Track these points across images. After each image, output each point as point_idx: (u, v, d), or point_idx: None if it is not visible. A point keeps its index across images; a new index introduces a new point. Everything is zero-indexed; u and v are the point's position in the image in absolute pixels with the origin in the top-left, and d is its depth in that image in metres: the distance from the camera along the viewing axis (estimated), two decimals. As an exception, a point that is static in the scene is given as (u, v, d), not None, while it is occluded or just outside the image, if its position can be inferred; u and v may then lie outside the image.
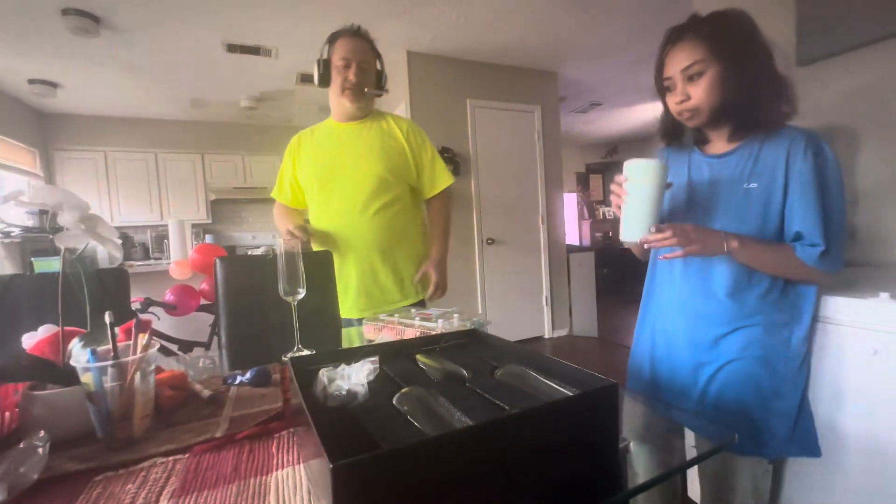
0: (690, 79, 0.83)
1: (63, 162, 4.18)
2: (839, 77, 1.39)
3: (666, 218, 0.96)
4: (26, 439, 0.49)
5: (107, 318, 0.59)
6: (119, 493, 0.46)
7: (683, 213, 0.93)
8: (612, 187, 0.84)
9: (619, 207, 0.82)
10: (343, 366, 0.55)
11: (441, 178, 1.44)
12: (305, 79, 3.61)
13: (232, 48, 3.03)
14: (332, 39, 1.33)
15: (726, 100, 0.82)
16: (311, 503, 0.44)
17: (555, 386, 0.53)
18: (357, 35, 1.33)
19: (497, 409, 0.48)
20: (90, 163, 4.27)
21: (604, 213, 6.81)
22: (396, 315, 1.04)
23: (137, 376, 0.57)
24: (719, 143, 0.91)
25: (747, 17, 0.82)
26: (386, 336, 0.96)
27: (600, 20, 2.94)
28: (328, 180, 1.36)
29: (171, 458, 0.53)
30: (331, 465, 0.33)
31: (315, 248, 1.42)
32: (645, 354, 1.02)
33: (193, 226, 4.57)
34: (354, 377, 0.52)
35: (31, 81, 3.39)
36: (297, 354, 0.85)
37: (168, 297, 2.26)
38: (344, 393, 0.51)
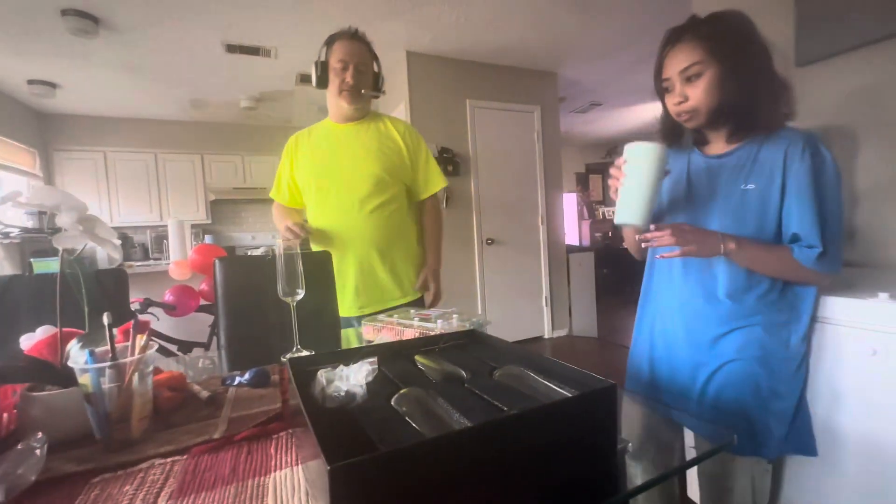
0: (689, 80, 0.83)
1: (62, 162, 4.18)
2: (838, 78, 1.39)
3: (665, 217, 0.96)
4: (24, 440, 0.49)
5: (105, 319, 0.59)
6: (117, 494, 0.46)
7: (682, 213, 0.93)
8: (612, 170, 0.84)
9: (617, 190, 0.82)
10: (342, 367, 0.55)
11: (435, 181, 1.47)
12: (305, 79, 3.62)
13: (231, 48, 3.03)
14: (330, 42, 1.35)
15: (724, 101, 0.82)
16: (309, 504, 0.44)
17: (553, 387, 0.53)
18: (354, 38, 1.34)
19: (495, 410, 0.48)
20: (90, 163, 4.26)
21: (603, 214, 6.81)
22: (395, 316, 1.04)
23: (135, 377, 0.57)
24: (718, 144, 0.91)
25: (746, 18, 0.82)
26: (385, 337, 0.96)
27: (600, 20, 2.94)
28: (326, 180, 1.37)
29: (169, 460, 0.53)
30: (329, 467, 0.32)
31: (314, 247, 1.42)
32: (644, 355, 1.02)
33: (193, 226, 4.57)
34: (353, 378, 0.52)
35: (31, 82, 3.39)
36: (296, 355, 0.85)
37: (167, 297, 2.26)
38: (342, 394, 0.51)
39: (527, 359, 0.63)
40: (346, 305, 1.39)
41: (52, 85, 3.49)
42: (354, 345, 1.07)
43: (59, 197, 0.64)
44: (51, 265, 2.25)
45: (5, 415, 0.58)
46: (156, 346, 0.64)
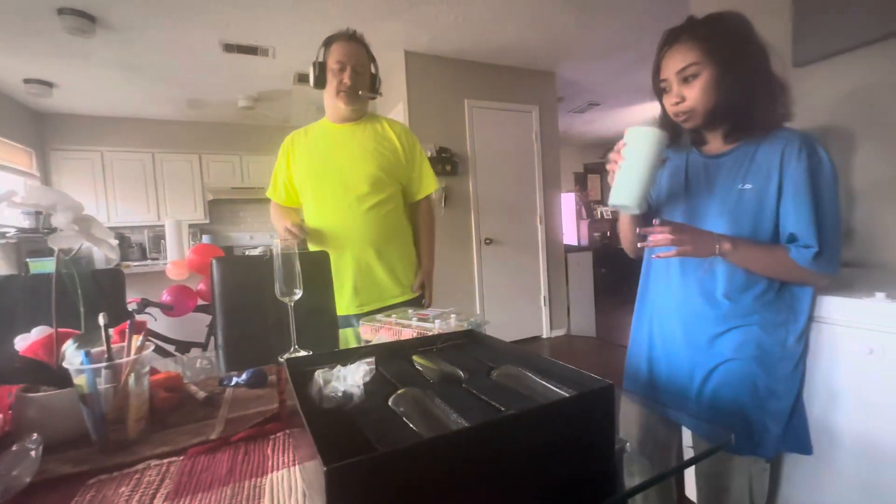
0: (686, 80, 0.83)
1: (59, 162, 4.16)
2: (835, 78, 1.40)
3: (662, 216, 0.96)
4: (19, 442, 0.49)
5: (101, 319, 0.59)
6: (113, 495, 0.46)
7: (680, 212, 0.93)
8: (611, 155, 0.84)
9: (614, 173, 0.82)
10: (339, 367, 0.55)
11: (428, 182, 1.49)
12: (303, 79, 3.61)
13: (229, 48, 3.02)
14: (328, 43, 1.36)
15: (721, 101, 0.82)
16: (306, 505, 0.44)
17: (551, 387, 0.53)
18: (353, 39, 1.35)
19: (493, 410, 0.48)
20: (87, 163, 4.25)
21: (602, 213, 6.82)
22: (393, 315, 1.04)
23: (132, 378, 0.56)
24: (716, 144, 0.91)
25: (743, 19, 0.82)
26: (383, 337, 0.96)
27: (598, 20, 2.94)
28: (323, 179, 1.38)
29: (165, 461, 0.53)
30: (325, 468, 0.32)
31: (311, 247, 1.42)
32: (642, 354, 1.03)
33: (191, 226, 4.56)
34: (350, 378, 0.52)
35: (27, 81, 3.37)
36: (293, 355, 0.85)
37: (165, 297, 2.25)
38: (339, 394, 0.50)
39: (524, 359, 0.63)
40: (345, 304, 1.39)
41: (49, 84, 3.47)
42: (353, 345, 1.07)
43: (54, 197, 0.64)
44: (47, 265, 2.24)
45: (0, 416, 0.58)
46: (152, 347, 0.64)
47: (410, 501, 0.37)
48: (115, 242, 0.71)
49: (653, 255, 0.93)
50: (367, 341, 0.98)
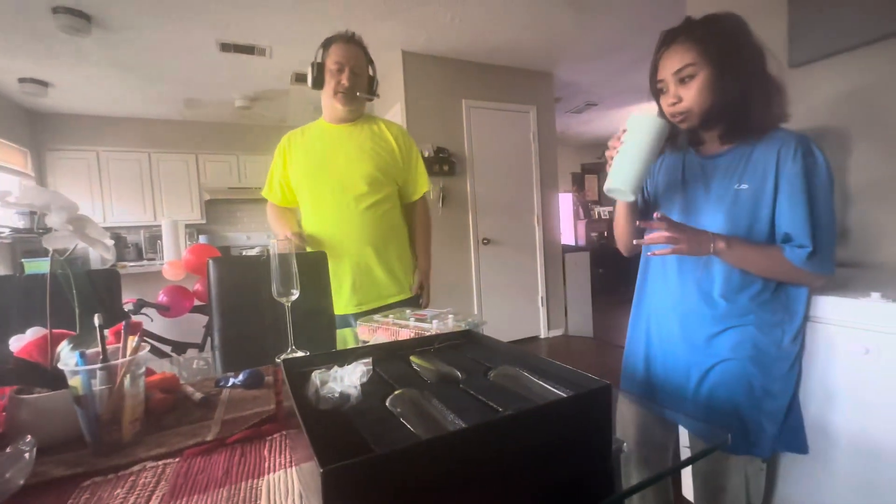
0: (682, 81, 0.83)
1: (55, 162, 4.14)
2: (831, 79, 1.41)
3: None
4: (12, 444, 0.48)
5: (96, 320, 0.58)
6: (107, 498, 0.46)
7: (677, 211, 0.94)
8: (611, 142, 0.84)
9: (612, 159, 0.83)
10: (336, 368, 0.55)
11: (422, 183, 1.51)
12: (300, 78, 3.60)
13: (226, 47, 3.01)
14: (327, 44, 1.37)
15: (717, 102, 0.82)
16: (302, 507, 0.44)
17: (548, 387, 0.53)
18: (351, 41, 1.36)
19: (490, 410, 0.48)
20: (82, 163, 4.22)
21: (599, 213, 6.84)
22: (391, 316, 1.03)
23: (127, 379, 0.56)
24: (712, 144, 0.92)
25: (740, 20, 0.83)
26: (381, 337, 0.96)
27: (596, 21, 2.95)
28: (320, 179, 1.38)
29: (160, 463, 0.53)
30: (321, 469, 0.32)
31: (309, 250, 1.42)
32: (639, 354, 1.03)
33: (187, 226, 4.54)
34: (347, 379, 0.52)
35: (22, 80, 3.35)
36: (290, 356, 0.85)
37: (161, 298, 2.24)
38: (336, 395, 0.50)
39: (522, 359, 0.63)
40: (343, 303, 1.40)
41: (44, 84, 3.45)
42: (351, 345, 1.06)
43: (48, 197, 0.63)
44: (42, 266, 2.23)
45: (-6, 418, 0.57)
46: (148, 348, 0.64)
47: (408, 503, 0.36)
48: (110, 243, 0.70)
49: (648, 253, 0.93)
50: (365, 341, 0.98)
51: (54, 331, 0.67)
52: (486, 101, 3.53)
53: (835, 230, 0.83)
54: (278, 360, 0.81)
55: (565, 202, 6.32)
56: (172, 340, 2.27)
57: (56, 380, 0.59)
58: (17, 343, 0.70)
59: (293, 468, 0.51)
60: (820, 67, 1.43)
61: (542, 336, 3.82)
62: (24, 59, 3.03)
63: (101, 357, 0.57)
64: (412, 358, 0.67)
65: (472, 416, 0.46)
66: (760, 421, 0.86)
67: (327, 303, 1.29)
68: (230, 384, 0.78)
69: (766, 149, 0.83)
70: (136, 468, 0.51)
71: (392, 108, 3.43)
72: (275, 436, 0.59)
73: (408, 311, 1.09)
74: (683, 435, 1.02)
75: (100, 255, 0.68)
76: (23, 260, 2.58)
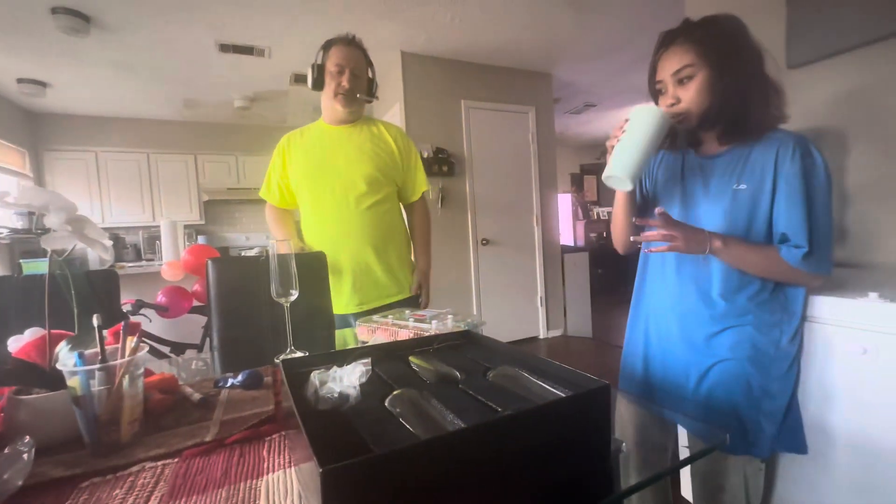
0: (680, 82, 0.84)
1: (53, 162, 4.13)
2: (829, 79, 1.41)
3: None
4: (11, 445, 0.48)
5: (95, 320, 0.58)
6: (106, 498, 0.45)
7: (675, 211, 0.94)
8: (612, 132, 0.85)
9: (612, 148, 0.83)
10: (335, 368, 0.55)
11: (421, 184, 1.52)
12: (299, 79, 3.60)
13: (225, 48, 3.01)
14: (327, 46, 1.37)
15: (715, 103, 0.83)
16: (301, 507, 0.44)
17: (547, 387, 0.53)
18: (351, 43, 1.37)
19: (489, 410, 0.48)
20: (81, 163, 4.22)
21: (598, 214, 6.84)
22: (390, 316, 1.03)
23: (125, 380, 0.56)
24: (711, 145, 0.92)
25: (738, 21, 0.83)
26: (380, 337, 0.96)
27: (595, 21, 2.95)
28: (320, 179, 1.39)
29: (159, 463, 0.53)
30: (320, 470, 0.32)
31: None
32: (638, 354, 1.03)
33: (186, 227, 4.54)
34: (346, 379, 0.52)
35: (20, 81, 3.35)
36: (289, 356, 0.85)
37: (160, 298, 2.24)
38: (335, 395, 0.50)
39: (521, 359, 0.63)
40: (343, 303, 1.40)
41: (43, 84, 3.45)
42: (351, 345, 1.06)
43: (47, 197, 0.63)
44: (40, 266, 2.22)
45: (-8, 418, 0.57)
46: (146, 348, 0.64)
47: (407, 503, 0.36)
48: (108, 243, 0.70)
49: (646, 250, 0.93)
50: (364, 342, 0.98)
51: (53, 331, 0.67)
52: (485, 101, 3.53)
53: (832, 231, 0.83)
54: (277, 361, 0.81)
55: (564, 203, 6.32)
56: (171, 341, 2.26)
57: (54, 380, 0.59)
58: (16, 343, 0.70)
59: (292, 469, 0.51)
60: (818, 68, 1.43)
61: (542, 336, 3.82)
62: (23, 59, 3.03)
63: (99, 358, 0.57)
64: (411, 358, 0.67)
65: (471, 416, 0.46)
66: (759, 421, 0.86)
67: (326, 303, 1.29)
68: (229, 385, 0.78)
69: (764, 149, 0.84)
70: (134, 469, 0.51)
71: (391, 108, 3.43)
72: (274, 436, 0.59)
73: (407, 311, 1.09)
74: (682, 435, 1.02)
75: (98, 256, 0.68)
76: (21, 260, 2.57)
